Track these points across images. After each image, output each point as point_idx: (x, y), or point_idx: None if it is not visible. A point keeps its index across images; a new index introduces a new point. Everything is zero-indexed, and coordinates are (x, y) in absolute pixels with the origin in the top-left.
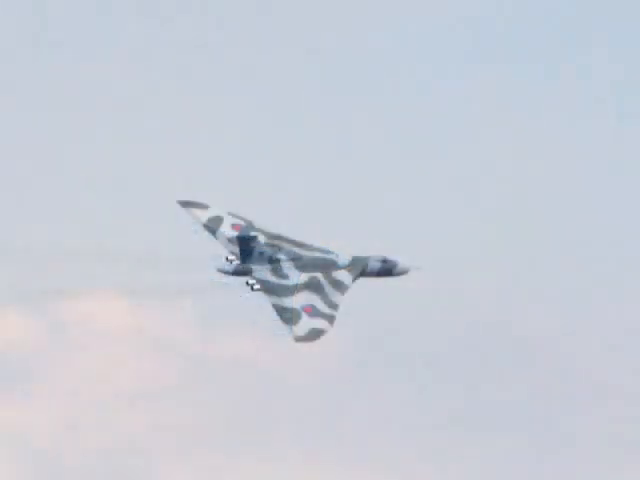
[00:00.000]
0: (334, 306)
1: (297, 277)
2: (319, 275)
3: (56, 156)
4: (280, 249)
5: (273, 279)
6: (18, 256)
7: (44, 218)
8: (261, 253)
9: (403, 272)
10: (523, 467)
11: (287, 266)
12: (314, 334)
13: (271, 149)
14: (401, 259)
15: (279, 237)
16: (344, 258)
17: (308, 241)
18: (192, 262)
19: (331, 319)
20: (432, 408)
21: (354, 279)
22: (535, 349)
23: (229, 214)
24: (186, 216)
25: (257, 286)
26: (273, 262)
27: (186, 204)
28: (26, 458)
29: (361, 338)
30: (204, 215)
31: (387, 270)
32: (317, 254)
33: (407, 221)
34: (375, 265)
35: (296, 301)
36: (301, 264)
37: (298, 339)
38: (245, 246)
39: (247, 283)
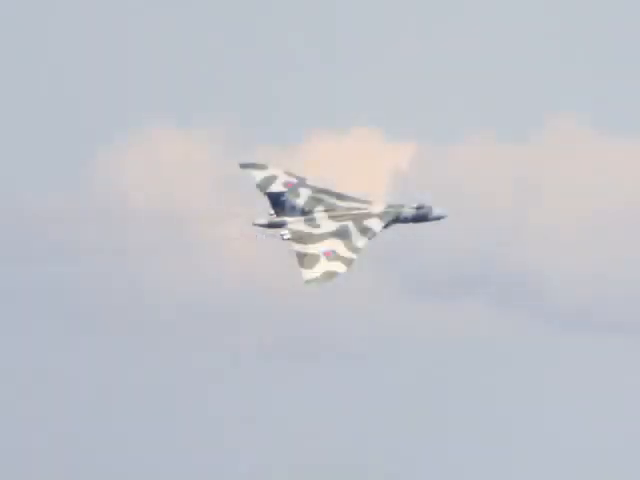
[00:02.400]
0: (356, 250)
1: (328, 226)
2: (350, 224)
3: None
4: (320, 201)
5: (305, 229)
6: None
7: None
8: (293, 207)
9: (438, 217)
10: None
11: (320, 217)
12: (326, 276)
13: None
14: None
15: (324, 191)
16: (378, 206)
17: (350, 193)
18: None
19: (349, 262)
20: None
21: (386, 226)
22: None
23: (285, 172)
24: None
25: (287, 236)
26: (306, 214)
27: (246, 166)
28: None
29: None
30: (259, 175)
31: (422, 216)
32: (353, 204)
33: None
34: (409, 212)
35: (319, 247)
36: (334, 214)
37: (308, 282)
38: (276, 201)
39: (280, 234)
